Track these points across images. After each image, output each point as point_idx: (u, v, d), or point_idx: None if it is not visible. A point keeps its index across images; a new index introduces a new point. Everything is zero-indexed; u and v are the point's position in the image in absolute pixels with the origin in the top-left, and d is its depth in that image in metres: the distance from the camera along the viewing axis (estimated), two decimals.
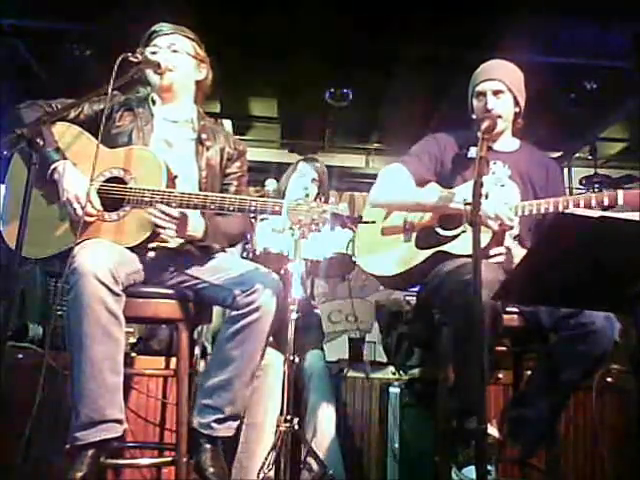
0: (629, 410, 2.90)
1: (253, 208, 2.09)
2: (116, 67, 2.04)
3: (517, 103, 2.51)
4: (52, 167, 2.12)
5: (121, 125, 2.27)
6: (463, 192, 2.31)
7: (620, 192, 2.25)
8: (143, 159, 2.17)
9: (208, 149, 2.36)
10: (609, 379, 2.94)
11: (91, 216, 2.09)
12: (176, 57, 2.34)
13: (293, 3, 3.56)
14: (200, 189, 2.29)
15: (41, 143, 1.89)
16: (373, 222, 2.60)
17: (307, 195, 2.09)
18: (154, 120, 2.33)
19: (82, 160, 2.16)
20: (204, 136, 2.37)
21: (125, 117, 2.30)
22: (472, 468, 1.97)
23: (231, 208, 2.10)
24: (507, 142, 2.58)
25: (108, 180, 2.15)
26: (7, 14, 3.85)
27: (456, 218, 2.36)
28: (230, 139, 2.46)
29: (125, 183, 2.14)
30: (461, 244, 2.34)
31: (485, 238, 2.28)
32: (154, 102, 2.38)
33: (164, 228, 2.09)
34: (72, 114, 2.24)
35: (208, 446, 2.10)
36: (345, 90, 4.44)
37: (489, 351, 1.90)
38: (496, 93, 2.45)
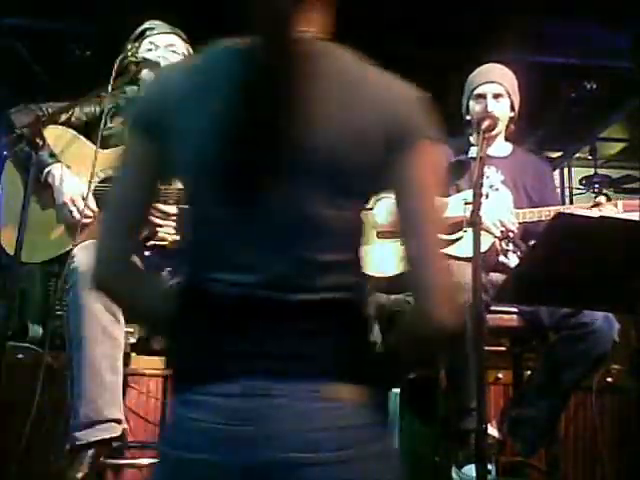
0: (629, 410, 2.90)
1: None
2: (116, 67, 2.05)
3: (513, 108, 2.53)
4: (46, 170, 2.11)
5: (113, 127, 2.26)
6: (460, 197, 2.32)
7: (620, 202, 2.30)
8: None
9: None
10: (609, 379, 2.94)
11: (87, 217, 2.09)
12: (174, 57, 2.34)
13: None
14: None
15: (41, 143, 1.89)
16: (370, 209, 2.61)
17: None
18: None
19: (77, 162, 2.16)
20: None
21: (116, 118, 2.29)
22: (472, 466, 1.98)
23: None
24: (500, 147, 2.59)
25: (103, 181, 2.15)
26: (7, 14, 3.85)
27: (456, 223, 2.37)
28: None
29: None
30: (461, 247, 2.34)
31: (486, 243, 2.29)
32: None
33: (161, 227, 2.09)
34: (63, 117, 2.22)
35: None
36: None
37: (478, 353, 1.90)
38: (496, 96, 2.46)
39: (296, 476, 0.90)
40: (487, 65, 2.55)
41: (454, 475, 2.13)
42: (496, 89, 2.46)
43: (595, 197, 5.18)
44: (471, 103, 2.51)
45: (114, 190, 1.09)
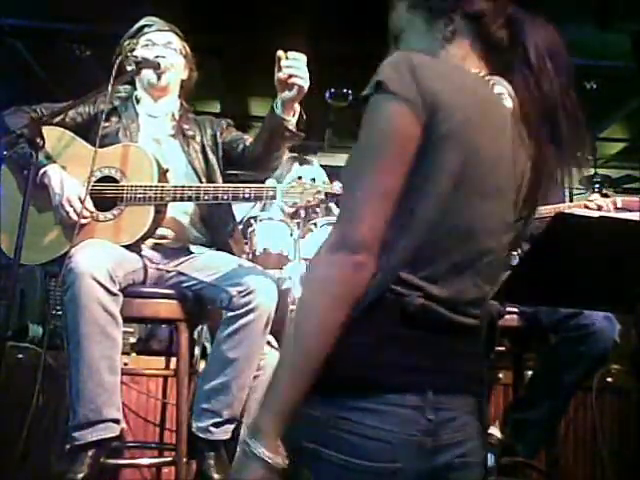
0: (629, 410, 2.90)
1: (248, 195, 2.09)
2: (116, 67, 2.05)
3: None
4: (41, 172, 2.11)
5: (107, 126, 2.25)
6: None
7: (619, 199, 2.36)
8: (132, 155, 2.16)
9: (194, 138, 2.35)
10: (609, 379, 2.94)
11: (85, 218, 2.09)
12: (172, 55, 2.34)
13: (293, 3, 3.56)
14: (200, 180, 2.28)
15: (41, 143, 1.88)
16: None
17: (300, 177, 2.10)
18: (139, 119, 2.33)
19: (72, 163, 2.15)
20: (186, 127, 2.36)
21: (110, 118, 2.28)
22: None
23: (225, 197, 2.10)
24: None
25: (99, 180, 2.15)
26: (7, 14, 3.85)
27: None
28: (215, 120, 2.45)
29: (117, 181, 2.14)
30: None
31: None
32: (138, 101, 2.38)
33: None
34: (57, 118, 2.20)
35: (212, 453, 2.08)
36: (345, 90, 4.44)
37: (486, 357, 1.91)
38: (500, 95, 2.50)
39: (459, 478, 1.02)
40: None
41: None
42: (500, 90, 2.50)
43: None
44: None
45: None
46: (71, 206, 2.08)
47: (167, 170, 2.20)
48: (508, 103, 2.56)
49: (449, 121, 1.00)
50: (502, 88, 2.55)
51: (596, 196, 2.42)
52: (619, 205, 2.32)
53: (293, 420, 0.95)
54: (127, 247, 2.10)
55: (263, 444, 0.94)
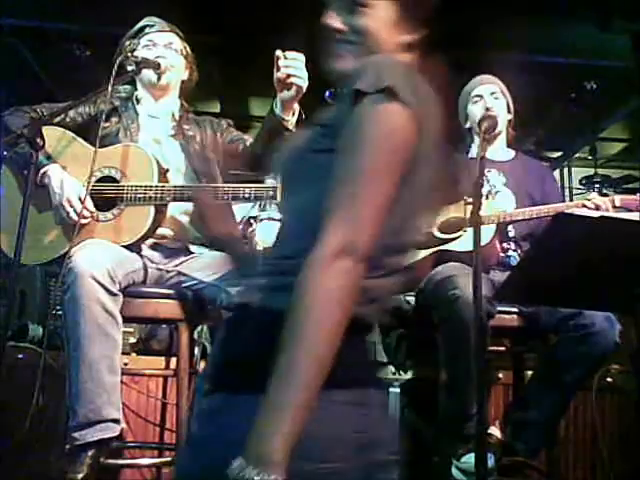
0: (629, 410, 2.90)
1: (248, 195, 2.09)
2: (116, 67, 2.05)
3: (509, 110, 2.61)
4: (42, 172, 2.11)
5: (107, 126, 2.25)
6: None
7: (617, 197, 2.37)
8: (132, 155, 2.16)
9: (194, 138, 2.36)
10: (609, 379, 2.94)
11: (85, 218, 2.09)
12: (173, 56, 2.34)
13: (293, 3, 3.56)
14: (199, 180, 2.28)
15: (41, 143, 1.88)
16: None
17: None
18: (139, 119, 2.33)
19: (72, 163, 2.15)
20: (186, 127, 2.36)
21: (110, 118, 2.28)
22: (471, 455, 1.98)
23: (225, 197, 2.10)
24: (502, 151, 2.64)
25: (99, 180, 2.15)
26: (7, 14, 3.85)
27: (455, 224, 2.39)
28: (215, 120, 2.46)
29: (117, 181, 2.14)
30: (461, 242, 2.36)
31: (489, 233, 2.31)
32: (138, 101, 2.38)
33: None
34: (57, 118, 2.20)
35: None
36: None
37: (480, 362, 1.91)
38: (493, 94, 2.56)
39: (388, 475, 1.00)
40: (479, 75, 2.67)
41: (454, 470, 2.13)
42: (492, 88, 2.60)
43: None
44: (470, 107, 2.60)
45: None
46: (71, 206, 2.08)
47: (167, 170, 2.20)
48: (501, 101, 2.61)
49: (429, 136, 1.00)
50: (495, 87, 2.63)
51: (594, 195, 2.42)
52: (617, 204, 2.33)
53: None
54: (127, 247, 2.10)
55: (278, 475, 0.82)
